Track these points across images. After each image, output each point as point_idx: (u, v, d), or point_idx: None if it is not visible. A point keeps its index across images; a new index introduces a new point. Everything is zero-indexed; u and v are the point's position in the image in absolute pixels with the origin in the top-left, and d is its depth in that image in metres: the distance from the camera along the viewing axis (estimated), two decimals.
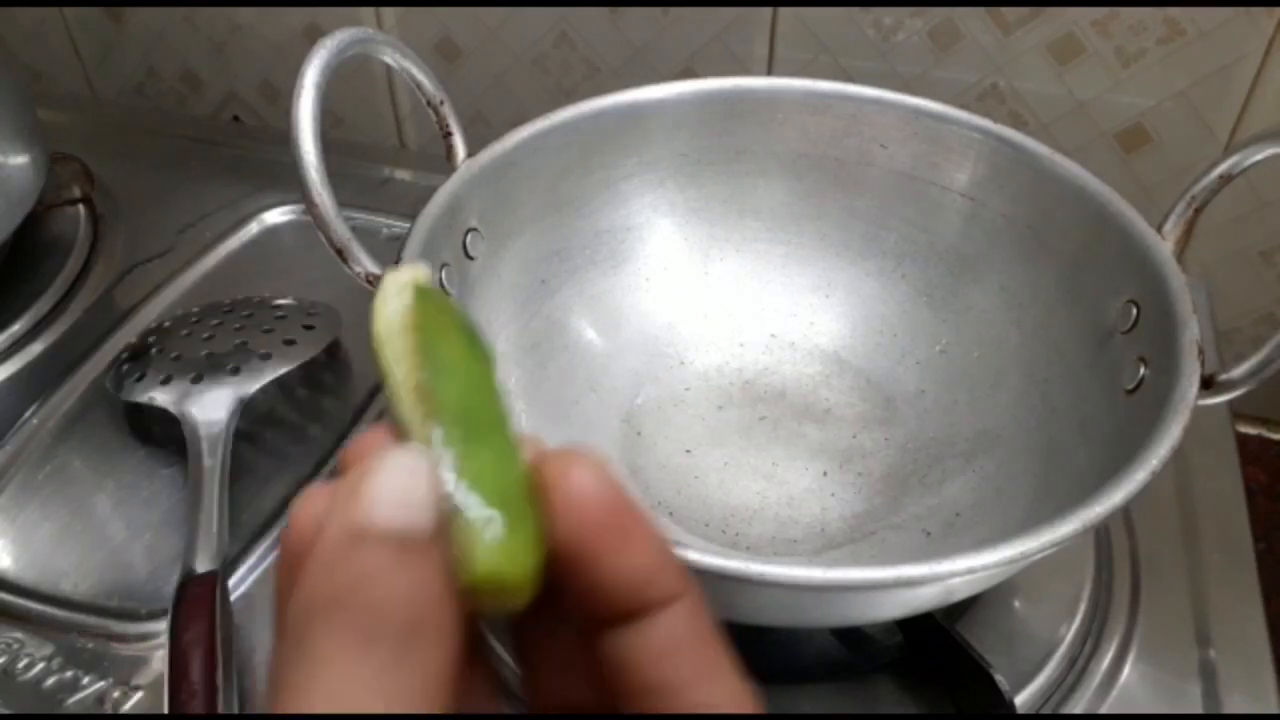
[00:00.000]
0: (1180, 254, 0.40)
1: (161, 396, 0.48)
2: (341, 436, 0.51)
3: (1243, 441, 0.50)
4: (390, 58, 0.44)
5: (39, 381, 0.54)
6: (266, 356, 0.50)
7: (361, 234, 0.41)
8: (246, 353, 0.50)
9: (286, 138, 0.39)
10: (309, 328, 0.52)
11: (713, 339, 0.52)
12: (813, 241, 0.52)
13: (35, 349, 0.56)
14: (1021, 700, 0.39)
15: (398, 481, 0.16)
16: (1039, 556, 0.30)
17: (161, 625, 0.42)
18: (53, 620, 0.43)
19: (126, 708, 0.40)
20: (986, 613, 0.42)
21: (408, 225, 0.42)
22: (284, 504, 0.48)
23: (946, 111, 0.47)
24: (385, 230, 0.63)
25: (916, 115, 0.48)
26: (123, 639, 0.43)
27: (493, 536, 0.16)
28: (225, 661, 0.39)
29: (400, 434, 0.17)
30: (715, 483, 0.46)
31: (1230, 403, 0.37)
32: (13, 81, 0.60)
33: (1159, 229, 0.41)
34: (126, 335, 0.56)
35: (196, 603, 0.40)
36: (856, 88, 0.49)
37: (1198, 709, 0.40)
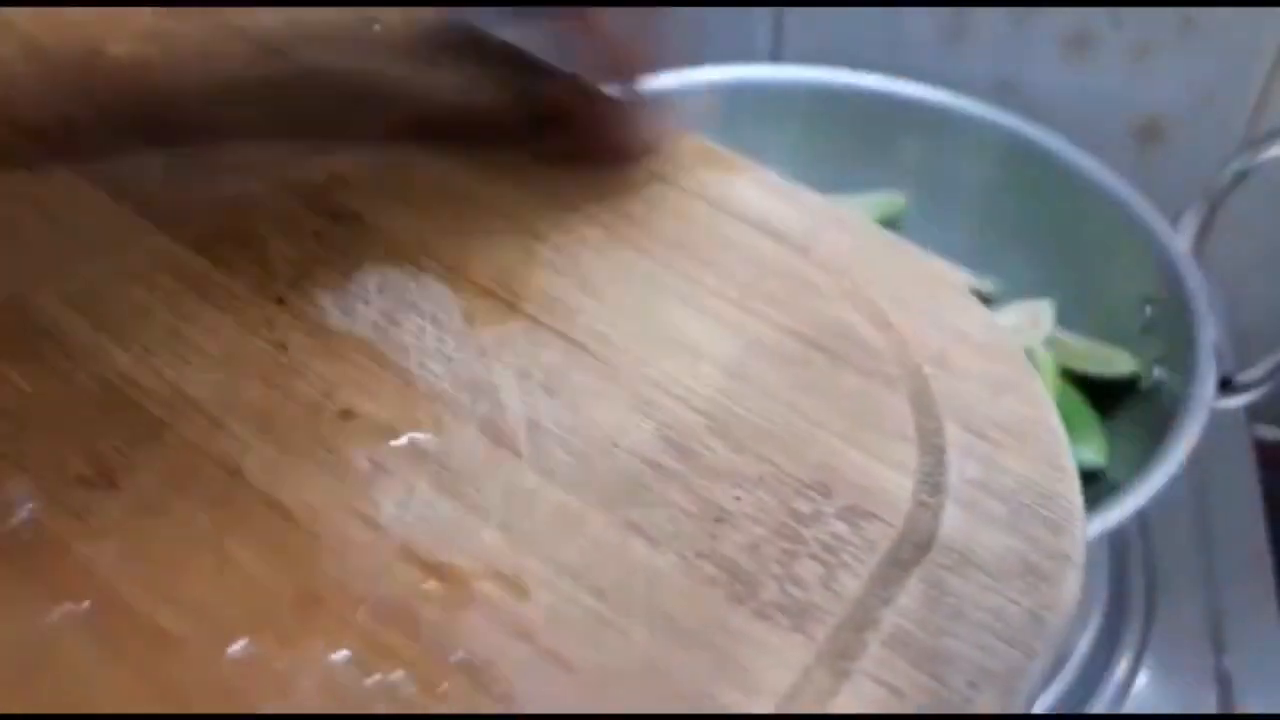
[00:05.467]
0: (1198, 252, 0.39)
1: None
2: None
3: (1261, 447, 0.50)
4: None
5: None
6: None
7: None
8: None
9: None
10: None
11: None
12: None
13: None
14: (1036, 709, 0.39)
15: None
16: None
17: None
18: None
19: None
20: None
21: None
22: None
23: (958, 104, 0.47)
24: None
25: (927, 108, 0.47)
26: None
27: None
28: None
29: None
30: None
31: (1248, 408, 0.36)
32: None
33: (1174, 225, 0.40)
34: None
35: None
36: (865, 80, 0.48)
37: None
